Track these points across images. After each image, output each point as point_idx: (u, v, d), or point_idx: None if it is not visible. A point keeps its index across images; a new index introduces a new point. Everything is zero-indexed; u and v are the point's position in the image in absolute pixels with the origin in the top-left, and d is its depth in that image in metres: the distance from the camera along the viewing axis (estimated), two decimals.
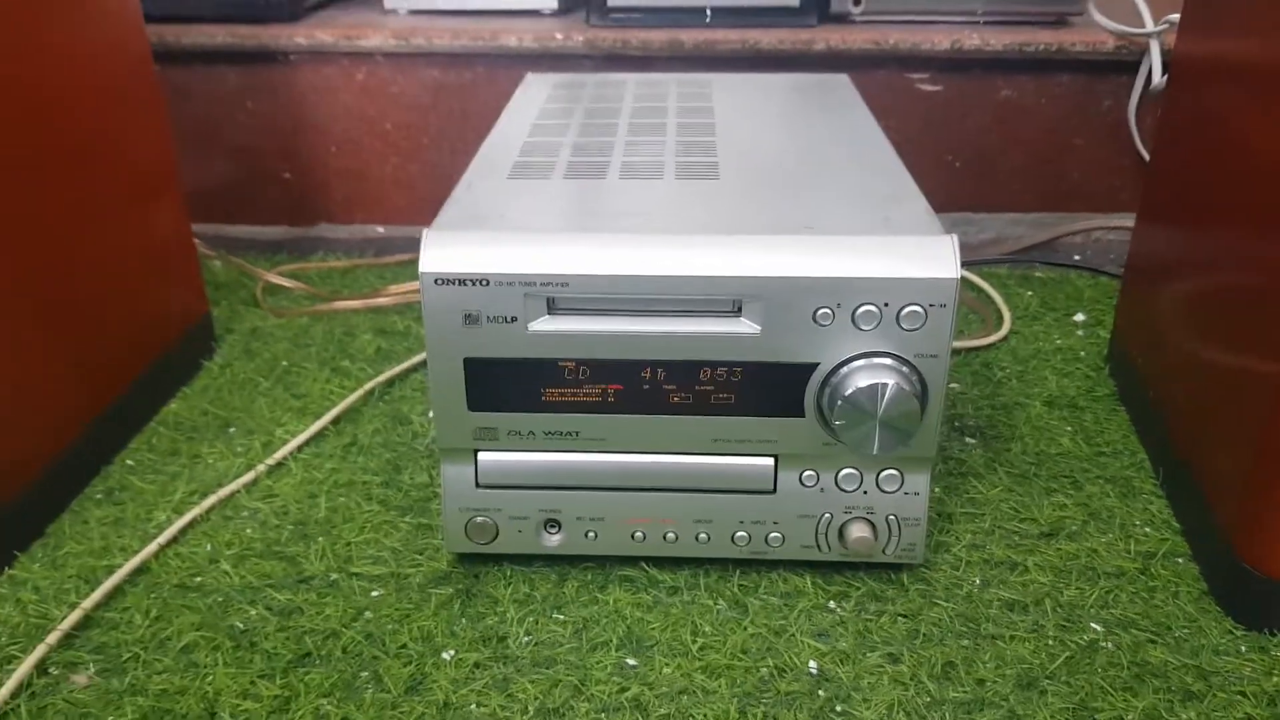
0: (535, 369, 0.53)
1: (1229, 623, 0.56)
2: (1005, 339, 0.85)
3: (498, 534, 0.58)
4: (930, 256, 0.51)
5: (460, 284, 0.51)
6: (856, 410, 0.51)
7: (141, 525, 0.64)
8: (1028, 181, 1.04)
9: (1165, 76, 0.94)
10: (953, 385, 0.78)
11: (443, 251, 0.51)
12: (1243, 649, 0.54)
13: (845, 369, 0.52)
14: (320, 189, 1.08)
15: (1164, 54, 0.96)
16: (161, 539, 0.62)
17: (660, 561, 0.60)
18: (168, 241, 0.78)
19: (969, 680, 0.52)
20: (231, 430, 0.74)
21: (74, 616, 0.56)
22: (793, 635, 0.55)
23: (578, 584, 0.59)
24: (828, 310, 0.51)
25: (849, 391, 0.51)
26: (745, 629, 0.56)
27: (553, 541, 0.59)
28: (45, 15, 0.63)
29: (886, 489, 0.56)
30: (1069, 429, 0.73)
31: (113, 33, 0.71)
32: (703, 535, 0.58)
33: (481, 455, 0.56)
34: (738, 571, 0.59)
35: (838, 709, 0.51)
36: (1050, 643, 0.54)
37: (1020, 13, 1.00)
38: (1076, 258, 1.01)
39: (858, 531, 0.56)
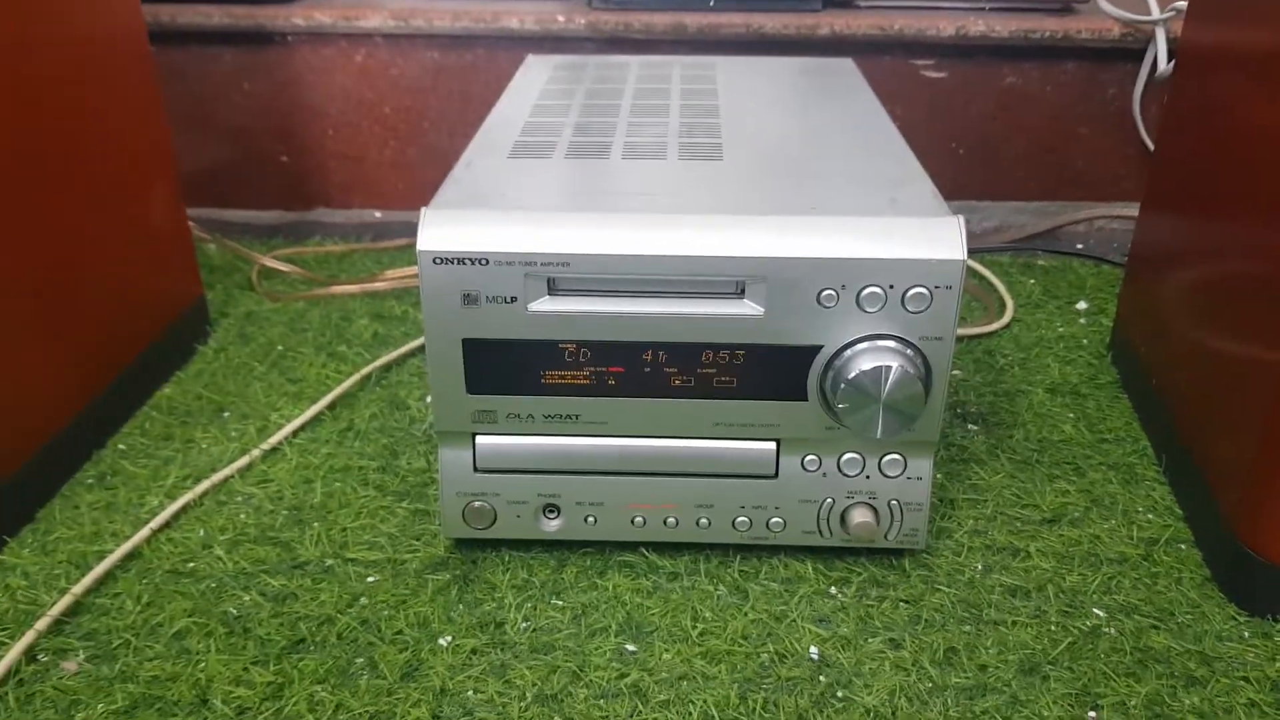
0: (535, 351, 0.52)
1: (1232, 609, 0.55)
2: (1008, 326, 0.85)
3: (496, 519, 0.58)
4: (936, 238, 0.50)
5: (459, 263, 0.50)
6: (860, 393, 0.51)
7: (133, 510, 0.63)
8: (1031, 169, 1.03)
9: (1171, 64, 0.94)
10: (955, 372, 0.77)
11: (441, 230, 0.51)
12: (1246, 635, 0.54)
13: (849, 352, 0.51)
14: (317, 172, 1.07)
15: (1169, 41, 0.95)
16: (154, 524, 0.61)
17: (660, 547, 0.59)
18: (162, 224, 0.77)
19: (971, 666, 0.52)
20: (226, 415, 0.73)
21: (64, 602, 0.55)
22: (794, 621, 0.55)
23: (577, 570, 0.58)
24: (832, 292, 0.50)
25: (852, 374, 0.51)
26: (746, 615, 0.55)
27: (552, 526, 0.58)
28: None
29: (889, 474, 0.55)
30: (1071, 416, 0.72)
31: (108, 11, 0.70)
32: (703, 520, 0.57)
33: (480, 439, 0.55)
34: (738, 557, 0.59)
35: (839, 695, 0.50)
36: (1053, 628, 0.54)
37: None
38: (1079, 246, 1.00)
39: (860, 516, 0.56)
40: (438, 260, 0.50)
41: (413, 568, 0.58)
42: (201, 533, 0.61)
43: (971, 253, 0.96)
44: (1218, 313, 0.60)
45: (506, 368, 0.53)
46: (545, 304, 0.51)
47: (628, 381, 0.53)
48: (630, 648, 0.53)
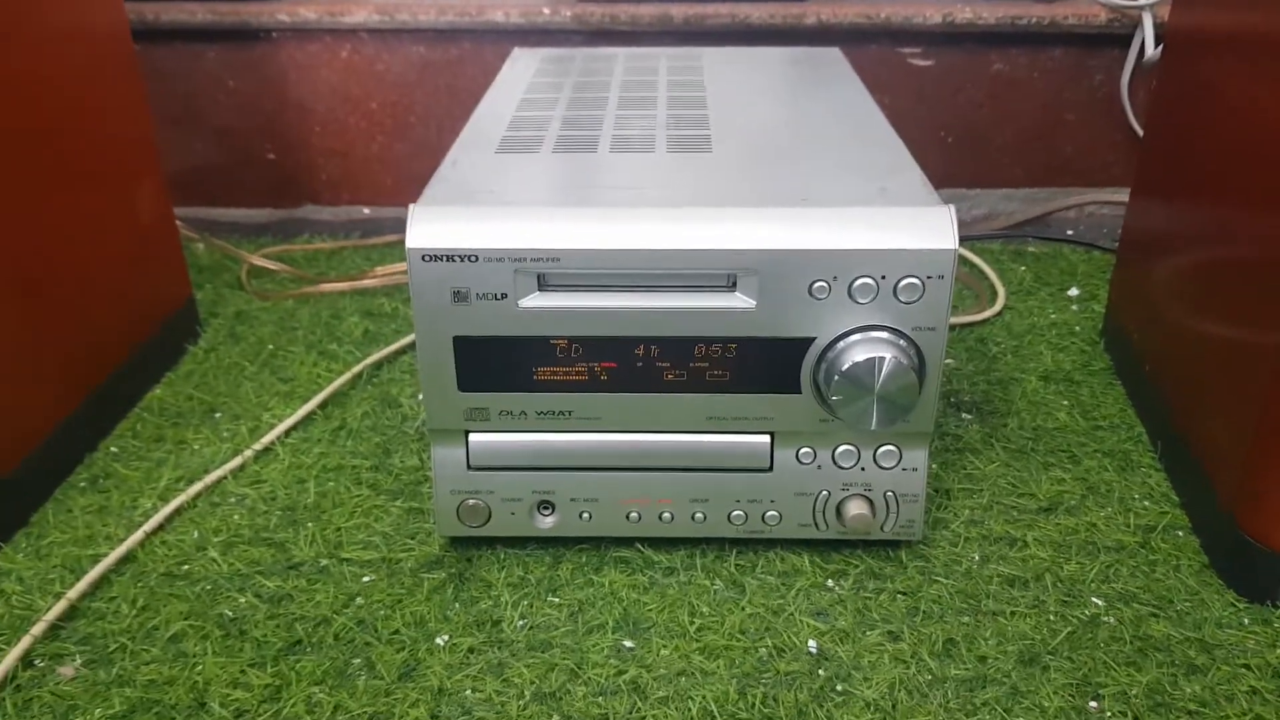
0: (527, 347, 0.52)
1: (1231, 595, 0.55)
2: (999, 314, 0.85)
3: (490, 517, 0.57)
4: (928, 228, 0.50)
5: (448, 260, 0.50)
6: (854, 385, 0.51)
7: (127, 513, 0.63)
8: (1020, 156, 1.03)
9: (1159, 49, 0.93)
10: (948, 361, 0.77)
11: (430, 227, 0.50)
12: (1245, 621, 0.54)
13: (842, 343, 0.51)
14: (305, 170, 1.06)
15: (1156, 27, 0.95)
16: (148, 527, 0.61)
17: (656, 542, 0.59)
18: (149, 224, 0.77)
19: (970, 657, 0.52)
20: (217, 415, 0.73)
21: (59, 607, 0.55)
22: (791, 615, 0.54)
23: (572, 566, 0.58)
24: (824, 283, 0.50)
25: (846, 366, 0.50)
26: (743, 609, 0.55)
27: (546, 523, 0.58)
28: None
29: (884, 465, 0.55)
30: (1065, 403, 0.72)
31: (90, 8, 0.69)
32: (699, 515, 0.57)
33: (473, 436, 0.55)
34: (734, 551, 0.59)
35: (838, 688, 0.50)
36: (1051, 618, 0.54)
37: None
38: (1070, 232, 1.00)
39: (855, 509, 0.55)
40: (427, 258, 0.50)
41: (408, 567, 0.58)
42: (195, 534, 0.61)
43: (962, 240, 0.96)
44: (1211, 297, 0.60)
45: (498, 365, 0.53)
46: (536, 300, 0.51)
47: (620, 377, 0.53)
48: (628, 644, 0.53)
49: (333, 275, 0.93)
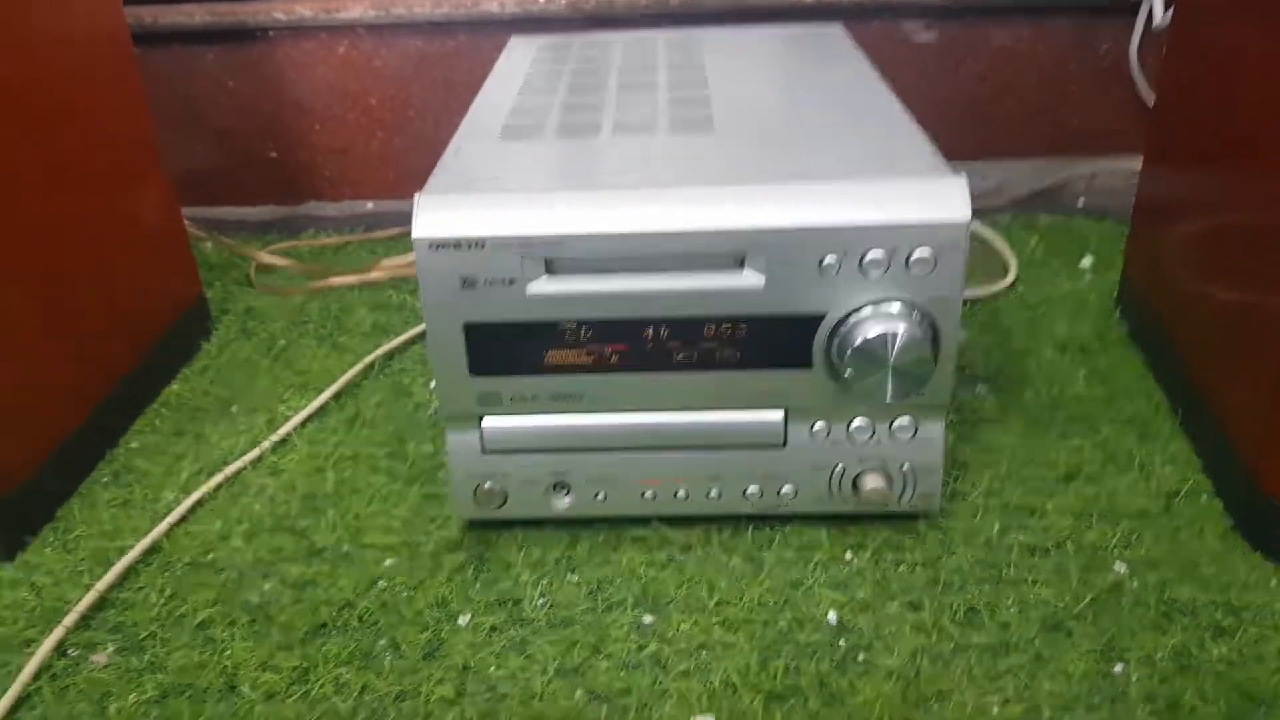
0: (536, 332, 0.52)
1: (1257, 557, 0.55)
2: (1012, 287, 0.84)
3: (507, 499, 0.58)
4: (940, 199, 0.49)
5: (455, 248, 0.50)
6: (867, 360, 0.50)
7: (150, 506, 0.63)
8: (1027, 128, 1.02)
9: (1169, 13, 0.92)
10: (958, 343, 0.77)
11: (436, 215, 0.50)
12: (1273, 583, 0.53)
13: (854, 318, 0.51)
14: (307, 166, 1.06)
15: None
16: (171, 518, 0.61)
17: (672, 520, 0.59)
18: (156, 224, 0.77)
19: (993, 625, 0.52)
20: (234, 409, 0.73)
21: (89, 598, 0.55)
22: (810, 588, 0.55)
23: (590, 545, 0.58)
24: (834, 259, 0.50)
25: (859, 341, 0.50)
26: (762, 583, 0.55)
27: (563, 504, 0.58)
28: None
29: (900, 438, 0.55)
30: (1082, 373, 0.72)
31: (89, 13, 0.69)
32: (714, 492, 0.57)
33: (486, 421, 0.55)
34: (751, 527, 0.59)
35: (860, 658, 0.50)
36: (1074, 585, 0.54)
37: None
38: (1080, 202, 1.00)
39: (872, 482, 0.55)
40: (434, 246, 0.50)
41: (428, 550, 0.59)
42: (218, 524, 0.61)
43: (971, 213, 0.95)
44: (1230, 260, 0.59)
45: (508, 350, 0.53)
46: (544, 285, 0.51)
47: (631, 358, 0.53)
48: (647, 619, 0.53)
49: (340, 269, 0.94)
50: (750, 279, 0.50)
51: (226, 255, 0.97)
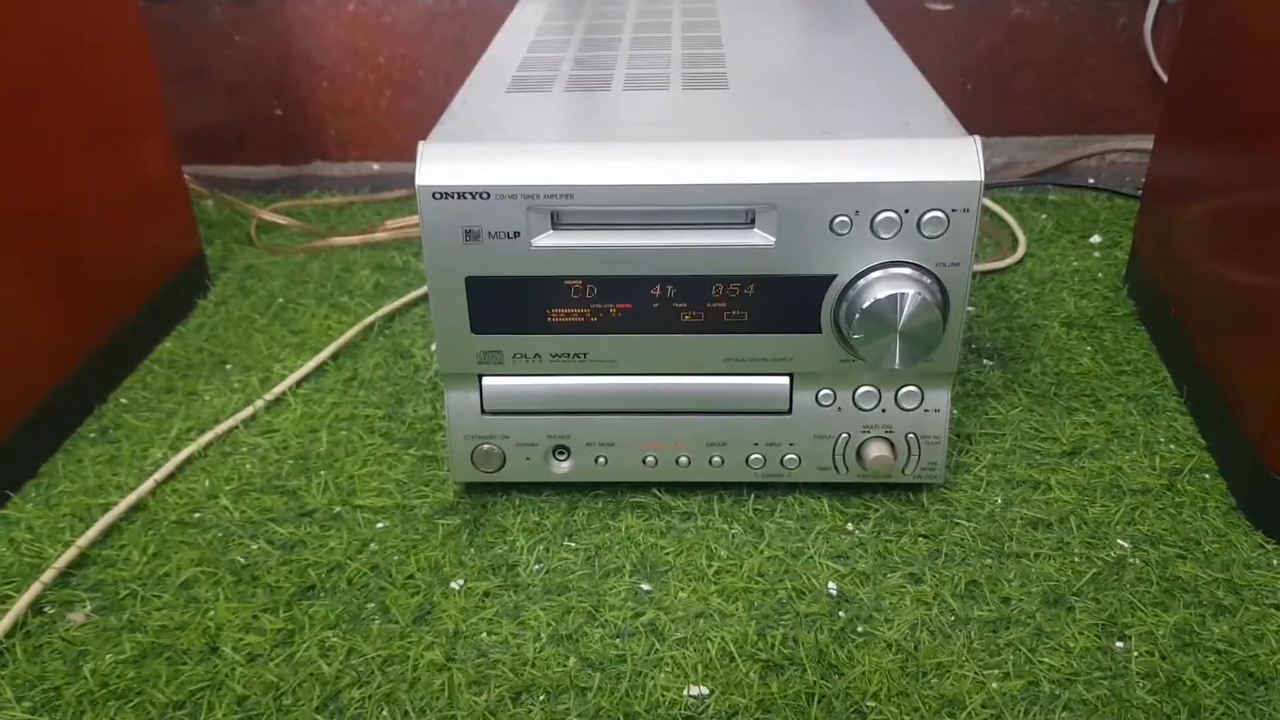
0: (540, 287, 0.51)
1: (1259, 536, 0.54)
2: (1020, 262, 0.83)
3: (505, 462, 0.56)
4: (952, 159, 0.48)
5: (460, 197, 0.49)
6: (876, 322, 0.49)
7: (137, 463, 0.62)
8: (1041, 103, 1.01)
9: None
10: (969, 308, 0.76)
11: (441, 164, 0.49)
12: (1274, 562, 0.53)
13: (864, 280, 0.50)
14: (313, 126, 1.04)
15: None
16: (158, 475, 0.60)
17: (673, 487, 0.58)
18: (157, 179, 0.76)
19: (994, 599, 0.51)
20: (228, 367, 0.72)
21: (69, 554, 0.54)
22: (811, 557, 0.54)
23: (588, 512, 0.57)
24: (845, 218, 0.49)
25: (868, 303, 0.49)
26: (762, 552, 0.54)
27: (562, 468, 0.57)
28: None
29: (906, 406, 0.54)
30: (1089, 349, 0.71)
31: None
32: (716, 459, 0.56)
33: (486, 380, 0.54)
34: (752, 496, 0.58)
35: (859, 629, 0.49)
36: (1076, 560, 0.53)
37: None
38: (1091, 180, 0.98)
39: (876, 450, 0.54)
40: (437, 195, 0.49)
41: (422, 513, 0.57)
42: (207, 483, 0.60)
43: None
44: (1240, 240, 0.58)
45: (511, 306, 0.51)
46: (549, 239, 0.50)
47: (636, 317, 0.52)
48: (645, 587, 0.52)
49: (343, 229, 0.92)
50: (760, 237, 0.49)
51: (228, 213, 0.95)
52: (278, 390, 0.68)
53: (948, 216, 0.48)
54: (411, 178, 0.50)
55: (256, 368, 0.71)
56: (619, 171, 0.48)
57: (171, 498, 0.59)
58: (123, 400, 0.69)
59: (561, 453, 0.56)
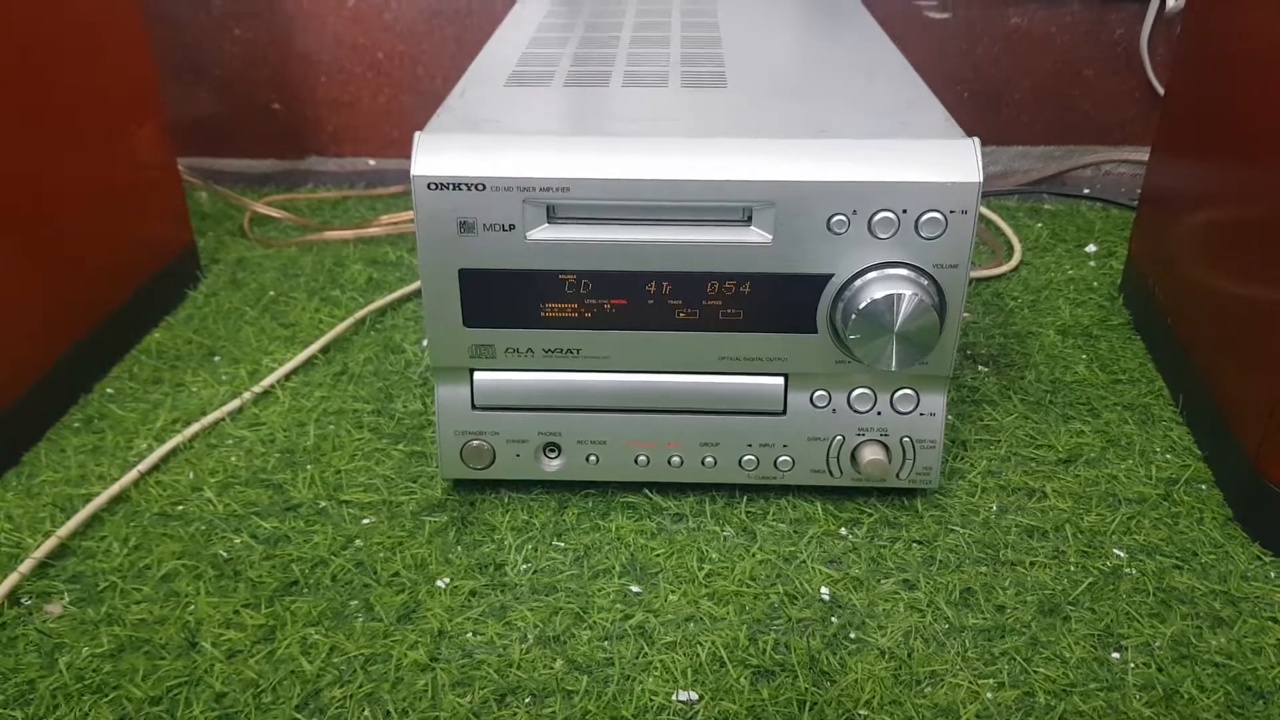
0: (534, 281, 0.50)
1: (1256, 548, 0.54)
2: (1016, 269, 0.83)
3: (495, 459, 0.56)
4: (951, 161, 0.48)
5: (455, 189, 0.48)
6: (873, 323, 0.49)
7: (121, 453, 0.61)
8: (1037, 113, 1.01)
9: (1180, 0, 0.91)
10: (965, 315, 0.75)
11: (437, 155, 0.48)
12: (1272, 575, 0.52)
13: (860, 280, 0.49)
14: (310, 121, 1.04)
15: None
16: (142, 466, 0.59)
17: (664, 488, 0.58)
18: (150, 168, 0.75)
19: (988, 607, 0.50)
20: (216, 359, 0.71)
21: (49, 545, 0.53)
22: (803, 562, 0.53)
23: (578, 511, 0.56)
24: (843, 217, 0.48)
25: (864, 304, 0.48)
26: (754, 556, 0.53)
27: (552, 466, 0.56)
28: None
29: (901, 410, 0.54)
30: (1084, 357, 0.70)
31: None
32: (709, 459, 0.55)
33: (478, 375, 0.53)
34: (745, 498, 0.57)
35: (851, 636, 0.49)
36: (1072, 569, 0.52)
37: None
38: (1086, 190, 0.98)
39: (871, 454, 0.54)
40: (433, 186, 0.48)
41: (409, 510, 0.57)
42: (191, 475, 0.59)
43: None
44: (1237, 250, 0.58)
45: (505, 299, 0.51)
46: (544, 232, 0.49)
47: (631, 314, 0.51)
48: (635, 589, 0.51)
49: (336, 223, 0.91)
50: (757, 235, 0.49)
51: (221, 205, 0.94)
52: (266, 383, 0.67)
53: (946, 218, 0.48)
54: (407, 174, 0.49)
55: (245, 360, 0.71)
56: (616, 165, 0.48)
57: (155, 489, 0.58)
58: (109, 390, 0.67)
59: (552, 450, 0.56)
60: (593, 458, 0.55)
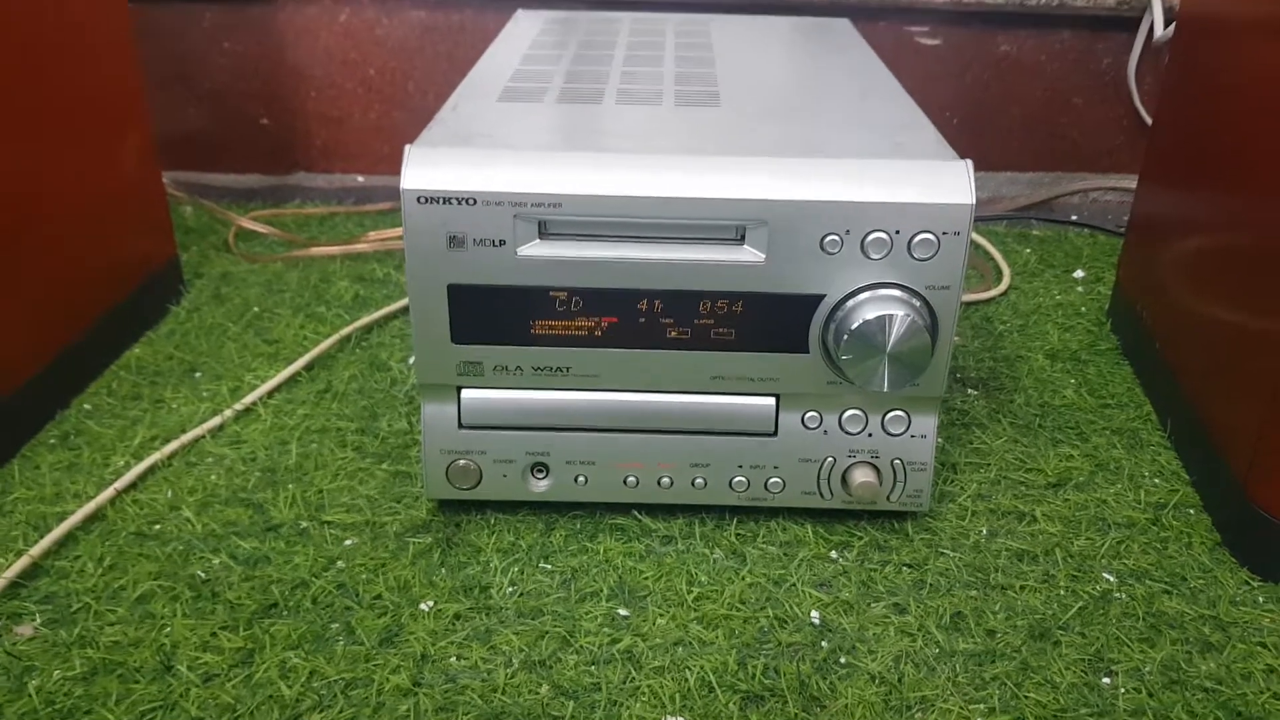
0: (524, 298, 0.50)
1: (1245, 573, 0.53)
2: (1005, 294, 0.83)
3: (481, 479, 0.55)
4: (944, 182, 0.48)
5: (445, 203, 0.48)
6: (865, 344, 0.48)
7: (98, 471, 0.60)
8: (1026, 140, 1.02)
9: (1170, 28, 0.92)
10: (955, 338, 0.75)
11: (427, 168, 0.48)
12: (1260, 600, 0.52)
13: (853, 301, 0.49)
14: (299, 136, 1.03)
15: (1166, 10, 0.93)
16: (118, 484, 0.58)
17: (653, 509, 0.57)
18: (133, 181, 0.74)
19: (979, 631, 0.50)
20: (198, 375, 0.70)
21: (20, 564, 0.52)
22: (793, 585, 0.52)
23: (566, 533, 0.56)
24: (836, 237, 0.48)
25: (856, 324, 0.48)
26: (743, 579, 0.53)
27: (540, 487, 0.55)
28: None
29: (892, 431, 0.53)
30: (1073, 381, 0.70)
31: None
32: (699, 480, 0.55)
33: (465, 393, 0.53)
34: (735, 520, 0.56)
35: (842, 660, 0.48)
36: (1062, 593, 0.52)
37: None
38: (1074, 217, 0.99)
39: (861, 476, 0.53)
40: (423, 199, 0.48)
41: (393, 530, 0.56)
42: (169, 494, 0.58)
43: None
44: (1224, 279, 0.58)
45: (494, 316, 0.50)
46: (536, 248, 0.49)
47: (622, 332, 0.50)
48: (622, 612, 0.51)
49: (323, 239, 0.91)
50: (750, 254, 0.48)
51: (206, 219, 0.93)
52: (248, 400, 0.66)
53: (938, 239, 0.48)
54: (396, 191, 0.49)
55: (227, 376, 0.69)
56: (610, 182, 0.48)
57: (131, 508, 0.57)
58: (86, 406, 0.66)
59: (540, 470, 0.55)
60: (581, 478, 0.55)
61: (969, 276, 0.86)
